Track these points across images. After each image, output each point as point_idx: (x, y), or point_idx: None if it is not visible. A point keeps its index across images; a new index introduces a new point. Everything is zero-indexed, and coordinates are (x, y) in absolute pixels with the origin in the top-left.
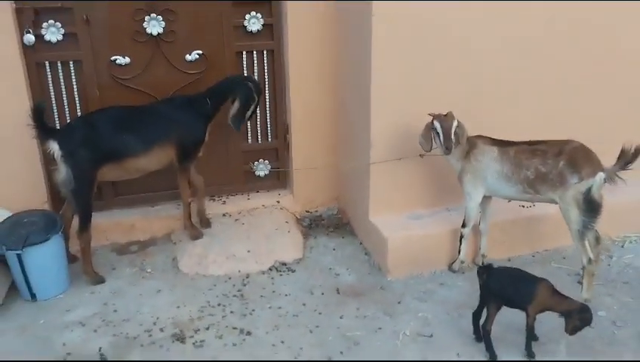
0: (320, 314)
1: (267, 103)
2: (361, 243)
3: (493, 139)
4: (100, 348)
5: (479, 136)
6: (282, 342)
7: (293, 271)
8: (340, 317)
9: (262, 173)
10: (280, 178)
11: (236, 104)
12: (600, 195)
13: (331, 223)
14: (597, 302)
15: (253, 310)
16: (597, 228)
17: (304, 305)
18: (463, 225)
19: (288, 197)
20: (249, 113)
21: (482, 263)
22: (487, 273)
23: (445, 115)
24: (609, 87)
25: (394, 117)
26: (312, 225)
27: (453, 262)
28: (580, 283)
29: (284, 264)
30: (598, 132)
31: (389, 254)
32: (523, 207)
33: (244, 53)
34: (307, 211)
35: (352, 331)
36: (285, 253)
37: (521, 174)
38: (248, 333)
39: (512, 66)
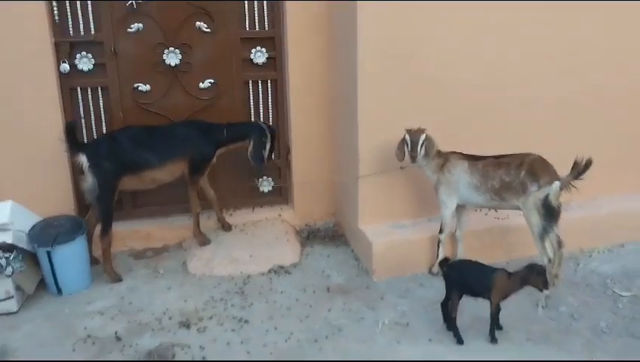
0: (310, 307)
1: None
2: (352, 251)
3: (464, 154)
4: (116, 331)
5: (452, 152)
6: (275, 328)
7: (290, 273)
8: (328, 310)
9: (266, 189)
10: (282, 194)
11: (252, 143)
12: (557, 201)
13: (327, 235)
14: (559, 300)
15: (251, 303)
16: (559, 234)
17: (297, 300)
18: (440, 231)
19: (289, 211)
20: (266, 151)
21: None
22: (447, 265)
23: (415, 130)
24: (568, 107)
25: (379, 135)
26: (309, 236)
27: (432, 266)
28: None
29: (281, 267)
30: (556, 145)
31: (373, 257)
32: (498, 218)
33: (251, 82)
34: (306, 224)
35: (338, 320)
36: (283, 258)
37: (488, 184)
38: (246, 321)
39: (482, 88)
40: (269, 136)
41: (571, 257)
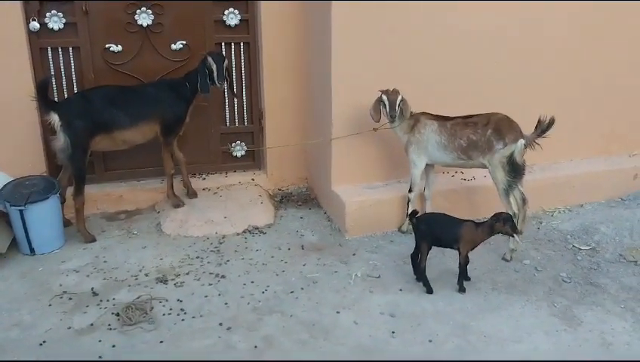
0: (286, 263)
1: (243, 90)
2: (325, 213)
3: (434, 115)
4: (93, 287)
5: (423, 113)
6: (252, 282)
7: (264, 233)
8: (303, 265)
9: (239, 154)
10: (255, 159)
11: (198, 73)
12: (522, 159)
13: (300, 199)
14: (523, 254)
15: (227, 260)
16: (523, 191)
17: (272, 257)
18: (410, 190)
19: (262, 176)
20: (215, 77)
21: None
22: (416, 218)
23: (392, 90)
24: (534, 73)
25: (352, 98)
26: (283, 200)
27: (402, 224)
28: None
29: (256, 227)
30: (523, 107)
31: (346, 216)
32: (464, 180)
33: (223, 44)
34: (279, 189)
35: (312, 274)
36: (258, 219)
37: (456, 143)
38: (223, 276)
39: (453, 51)
40: (212, 61)
41: (534, 216)
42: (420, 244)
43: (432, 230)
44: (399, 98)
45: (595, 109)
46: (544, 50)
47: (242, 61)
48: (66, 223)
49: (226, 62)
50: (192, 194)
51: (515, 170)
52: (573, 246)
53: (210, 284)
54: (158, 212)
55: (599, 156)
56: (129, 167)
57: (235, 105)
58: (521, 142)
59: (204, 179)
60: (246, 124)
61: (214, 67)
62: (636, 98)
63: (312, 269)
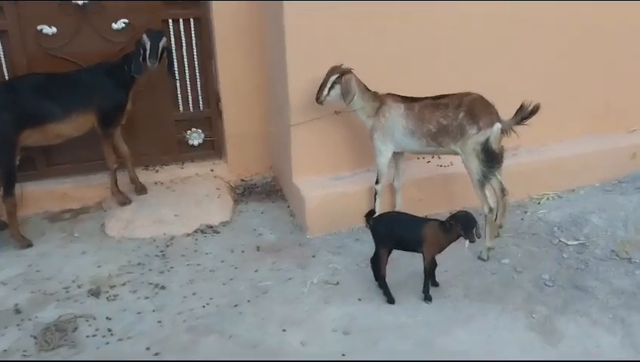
0: (236, 268)
1: (196, 71)
2: (288, 207)
3: (401, 96)
4: (17, 304)
5: (389, 95)
6: (194, 294)
7: (218, 233)
8: (255, 271)
9: (195, 142)
10: (215, 147)
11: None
12: (498, 145)
13: (264, 190)
14: (503, 251)
15: (171, 267)
16: (502, 181)
17: (222, 261)
18: (377, 182)
19: (223, 166)
20: (147, 56)
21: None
22: (373, 219)
23: (334, 68)
24: (516, 46)
25: (312, 78)
26: (245, 192)
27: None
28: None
29: (210, 226)
30: (503, 87)
31: (307, 213)
32: (441, 166)
33: (171, 21)
34: (242, 180)
35: (264, 282)
36: (212, 216)
37: (424, 128)
38: (162, 287)
39: (423, 25)
40: (146, 39)
41: (519, 205)
42: (378, 248)
43: (391, 232)
44: (332, 78)
45: (588, 82)
46: (527, 18)
47: (193, 40)
48: (2, 226)
49: (164, 40)
50: (140, 190)
51: (490, 158)
52: (560, 240)
53: (146, 298)
54: (105, 210)
55: (593, 134)
56: (74, 161)
57: (189, 89)
58: (498, 126)
59: (157, 171)
60: (202, 108)
61: (148, 45)
62: (635, 67)
63: (264, 276)
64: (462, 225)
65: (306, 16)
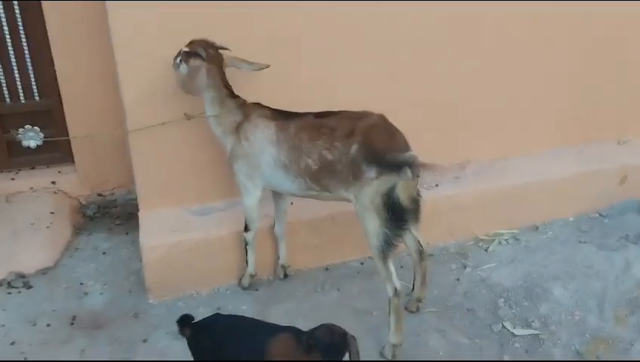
0: (25, 359)
1: (25, 53)
2: None
3: (272, 109)
4: None
5: (256, 105)
6: None
7: (30, 288)
8: None
9: (33, 143)
10: (61, 150)
11: None
12: (409, 197)
13: (124, 212)
14: (417, 344)
15: None
16: (419, 238)
17: (12, 344)
18: (246, 229)
19: (72, 176)
20: None
21: (284, 275)
22: (192, 328)
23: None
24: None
25: (152, 72)
26: (96, 214)
27: (242, 276)
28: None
29: (22, 276)
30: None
31: (147, 269)
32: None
33: None
34: (99, 195)
35: None
36: (30, 259)
37: (301, 163)
38: None
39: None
40: None
41: (458, 253)
42: None
43: (221, 349)
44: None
45: (567, 77)
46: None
47: (17, 16)
48: None
49: None
50: None
51: (398, 216)
52: (504, 326)
53: None
54: None
55: (571, 146)
56: None
57: (17, 73)
58: (409, 169)
59: None
60: (37, 98)
61: None
62: (629, 60)
63: None
64: (323, 350)
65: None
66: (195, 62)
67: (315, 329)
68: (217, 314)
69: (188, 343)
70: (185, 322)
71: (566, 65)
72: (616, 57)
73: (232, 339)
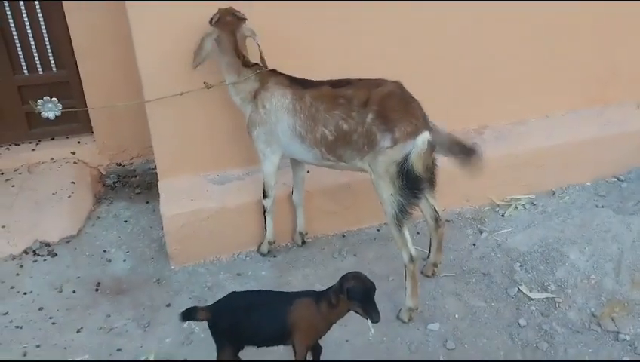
0: (54, 324)
1: (42, 24)
2: None
3: (289, 77)
4: None
5: (273, 72)
6: None
7: (55, 256)
8: (77, 331)
9: (51, 115)
10: (80, 120)
11: None
12: (425, 165)
13: (144, 181)
14: (434, 307)
15: None
16: (435, 205)
17: (41, 309)
18: (264, 195)
19: (90, 146)
20: None
21: (302, 241)
22: (209, 312)
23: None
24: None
25: (169, 41)
26: (117, 183)
27: (261, 243)
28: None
29: (46, 244)
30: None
31: (168, 237)
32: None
33: None
34: (118, 164)
35: (79, 354)
36: (53, 228)
37: (317, 133)
38: None
39: None
40: None
41: (474, 218)
42: (221, 350)
43: (238, 324)
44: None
45: (586, 38)
46: None
47: None
48: None
49: None
50: None
51: (412, 185)
52: (520, 290)
53: None
54: None
55: (589, 109)
56: None
57: (33, 45)
58: (424, 138)
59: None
60: (55, 70)
61: None
62: None
63: (84, 342)
64: (356, 297)
65: None
66: (208, 30)
67: (342, 281)
68: (233, 292)
69: (209, 326)
70: (187, 316)
71: (586, 26)
72: (637, 19)
73: (252, 316)
